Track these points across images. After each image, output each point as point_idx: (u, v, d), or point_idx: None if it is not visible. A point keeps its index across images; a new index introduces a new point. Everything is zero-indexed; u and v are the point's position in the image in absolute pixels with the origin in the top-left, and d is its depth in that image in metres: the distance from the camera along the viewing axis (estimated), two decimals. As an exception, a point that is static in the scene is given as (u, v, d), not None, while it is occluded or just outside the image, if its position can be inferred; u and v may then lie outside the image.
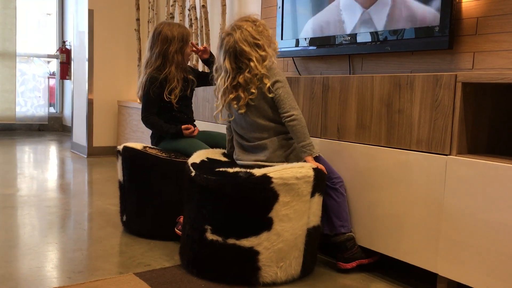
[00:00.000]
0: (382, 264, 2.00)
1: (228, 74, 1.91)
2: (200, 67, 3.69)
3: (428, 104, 1.70)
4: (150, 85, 2.35)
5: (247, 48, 1.87)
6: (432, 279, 1.74)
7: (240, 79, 1.89)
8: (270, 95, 1.88)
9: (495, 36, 1.96)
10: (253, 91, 1.88)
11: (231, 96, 1.92)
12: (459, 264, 1.60)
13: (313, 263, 1.93)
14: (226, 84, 1.92)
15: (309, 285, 1.81)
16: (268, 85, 1.88)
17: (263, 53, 1.89)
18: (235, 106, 1.94)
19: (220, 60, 1.94)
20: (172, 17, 4.18)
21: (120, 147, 2.37)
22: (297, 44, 2.78)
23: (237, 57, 1.89)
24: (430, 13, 2.06)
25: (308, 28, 2.70)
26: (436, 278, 1.69)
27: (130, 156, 2.31)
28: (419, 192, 1.72)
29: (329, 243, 1.98)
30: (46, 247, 2.10)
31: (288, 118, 1.87)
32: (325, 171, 1.89)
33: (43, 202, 2.86)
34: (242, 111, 1.92)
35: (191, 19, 3.89)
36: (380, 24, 2.28)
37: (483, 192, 1.53)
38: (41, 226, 2.41)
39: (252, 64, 1.87)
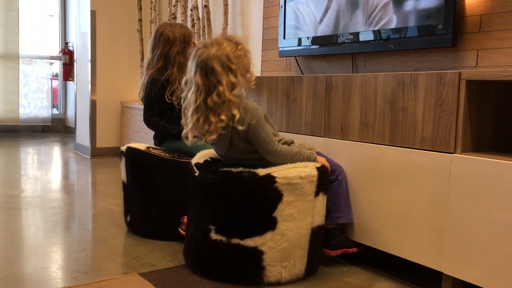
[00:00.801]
0: (386, 263, 2.00)
1: (199, 91, 1.73)
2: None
3: (432, 102, 1.70)
4: (151, 86, 2.35)
5: (218, 68, 1.71)
6: (437, 277, 1.73)
7: (209, 101, 1.72)
8: (240, 128, 1.75)
9: (499, 33, 1.95)
10: (223, 118, 1.73)
11: (206, 127, 1.75)
12: (464, 262, 1.59)
13: (317, 262, 1.93)
14: (198, 102, 1.73)
15: (313, 284, 1.81)
16: (237, 116, 1.73)
17: (233, 79, 1.73)
18: (209, 138, 1.78)
19: (191, 72, 1.76)
20: (174, 18, 4.18)
21: (123, 148, 2.38)
22: (299, 43, 2.77)
23: (207, 74, 1.72)
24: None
25: (310, 27, 2.69)
26: (441, 277, 1.69)
27: (133, 157, 2.31)
28: (423, 190, 1.72)
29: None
30: (50, 248, 2.11)
31: (273, 163, 1.81)
32: (329, 168, 1.89)
33: (47, 203, 2.87)
34: (213, 136, 1.76)
35: (193, 19, 3.89)
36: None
37: (488, 190, 1.52)
38: (46, 227, 2.41)
39: (221, 88, 1.71)
